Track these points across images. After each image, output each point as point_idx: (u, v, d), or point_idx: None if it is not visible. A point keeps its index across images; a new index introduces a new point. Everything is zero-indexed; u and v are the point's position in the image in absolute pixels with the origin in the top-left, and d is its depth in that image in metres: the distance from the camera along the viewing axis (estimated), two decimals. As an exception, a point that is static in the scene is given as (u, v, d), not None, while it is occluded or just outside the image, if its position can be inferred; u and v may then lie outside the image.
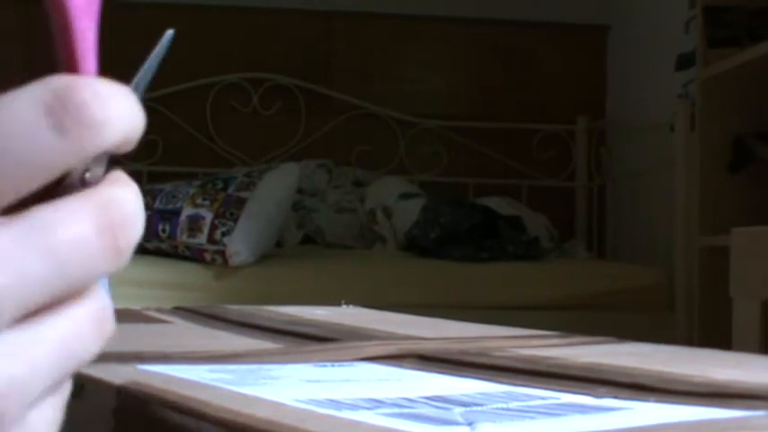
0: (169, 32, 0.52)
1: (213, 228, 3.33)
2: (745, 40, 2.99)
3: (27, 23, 4.16)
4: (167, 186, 3.53)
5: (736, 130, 3.06)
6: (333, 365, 0.67)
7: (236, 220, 3.33)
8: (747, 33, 3.02)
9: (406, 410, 0.49)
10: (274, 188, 3.50)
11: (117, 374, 0.59)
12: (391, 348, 0.74)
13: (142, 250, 3.35)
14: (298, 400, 0.51)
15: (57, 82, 0.36)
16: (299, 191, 3.75)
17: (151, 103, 4.14)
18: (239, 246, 3.27)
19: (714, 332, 2.72)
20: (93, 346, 0.37)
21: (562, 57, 4.47)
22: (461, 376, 0.62)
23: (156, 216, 3.39)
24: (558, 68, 4.45)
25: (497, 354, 0.75)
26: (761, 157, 3.02)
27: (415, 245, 3.65)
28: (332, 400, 0.51)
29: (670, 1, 3.93)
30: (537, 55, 4.46)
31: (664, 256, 3.62)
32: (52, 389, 0.36)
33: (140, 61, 0.51)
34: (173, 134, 4.17)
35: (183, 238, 3.34)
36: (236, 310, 1.01)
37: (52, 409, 0.37)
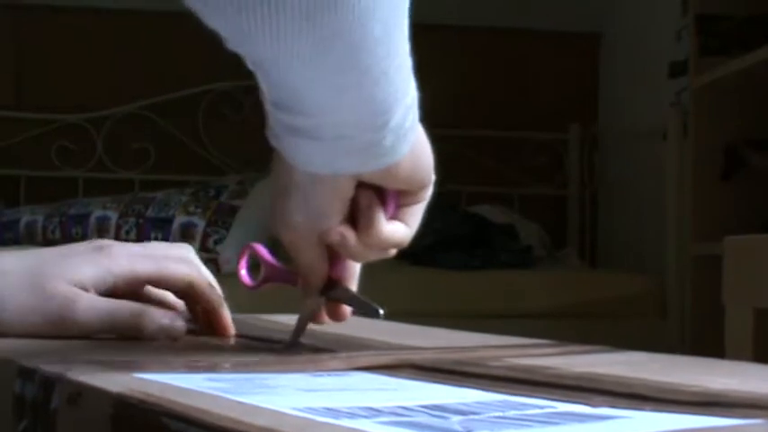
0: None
1: (205, 236, 3.33)
2: (738, 49, 2.99)
3: (19, 28, 4.16)
4: (159, 194, 3.53)
5: (729, 138, 3.07)
6: (329, 375, 0.67)
7: (228, 228, 3.33)
8: (739, 42, 3.02)
9: (403, 419, 0.49)
10: (266, 196, 3.50)
11: (113, 382, 0.59)
12: (387, 359, 0.74)
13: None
14: (296, 409, 0.51)
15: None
16: (292, 199, 3.75)
17: (143, 112, 4.14)
18: (231, 254, 3.27)
19: (706, 340, 2.73)
20: None
21: (554, 65, 4.47)
22: (458, 386, 0.62)
23: (148, 224, 3.39)
24: (551, 76, 4.46)
25: (493, 364, 0.76)
26: (753, 164, 3.03)
27: (407, 252, 3.64)
28: (329, 409, 0.51)
29: (662, 9, 3.94)
30: (529, 63, 4.46)
31: (656, 264, 3.62)
32: None
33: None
34: (165, 142, 4.16)
35: (175, 246, 3.33)
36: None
37: None
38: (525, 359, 0.79)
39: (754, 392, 0.61)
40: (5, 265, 0.87)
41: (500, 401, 0.55)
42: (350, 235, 0.79)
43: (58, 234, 3.47)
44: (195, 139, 4.22)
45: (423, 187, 0.84)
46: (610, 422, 0.49)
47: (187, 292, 0.93)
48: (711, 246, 2.78)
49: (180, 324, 0.88)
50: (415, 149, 0.80)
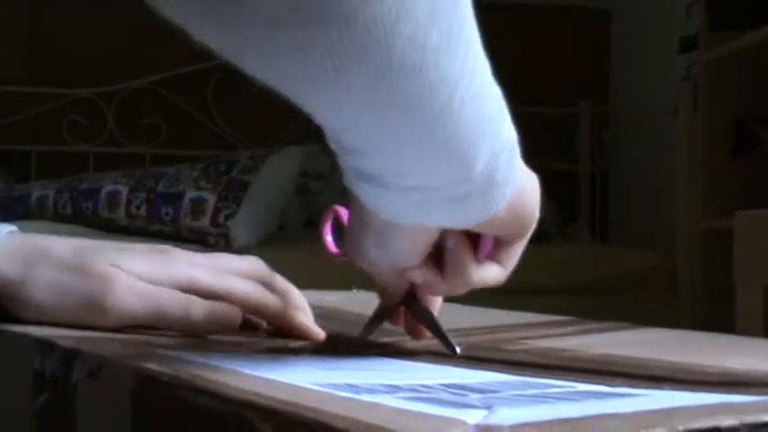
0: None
1: (216, 211, 3.33)
2: (748, 24, 2.98)
3: (28, 21, 4.15)
4: (170, 170, 3.53)
5: (739, 113, 3.06)
6: (349, 358, 0.68)
7: (239, 204, 3.33)
8: (750, 16, 3.01)
9: (423, 395, 0.50)
10: (277, 171, 3.51)
11: (135, 356, 0.60)
12: (406, 346, 0.74)
13: (144, 233, 3.35)
14: (317, 384, 0.51)
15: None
16: (303, 174, 3.75)
17: (154, 86, 4.14)
18: (242, 229, 3.27)
19: (717, 315, 2.73)
20: None
21: (565, 41, 4.46)
22: (477, 369, 0.62)
23: (158, 199, 3.39)
24: (561, 53, 4.45)
25: (511, 347, 0.76)
26: (764, 140, 3.02)
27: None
28: (350, 385, 0.52)
29: (673, -16, 3.93)
30: (540, 39, 4.45)
31: (667, 239, 3.62)
32: None
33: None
34: (175, 117, 4.17)
35: (186, 221, 3.34)
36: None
37: None
38: (543, 341, 0.79)
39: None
40: (52, 246, 0.79)
41: (520, 381, 0.56)
42: (432, 279, 0.69)
43: (69, 209, 3.48)
44: (206, 114, 4.22)
45: (524, 230, 0.71)
46: (629, 399, 0.49)
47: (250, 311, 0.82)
48: (722, 221, 2.78)
49: (229, 310, 0.77)
50: (514, 199, 0.66)
